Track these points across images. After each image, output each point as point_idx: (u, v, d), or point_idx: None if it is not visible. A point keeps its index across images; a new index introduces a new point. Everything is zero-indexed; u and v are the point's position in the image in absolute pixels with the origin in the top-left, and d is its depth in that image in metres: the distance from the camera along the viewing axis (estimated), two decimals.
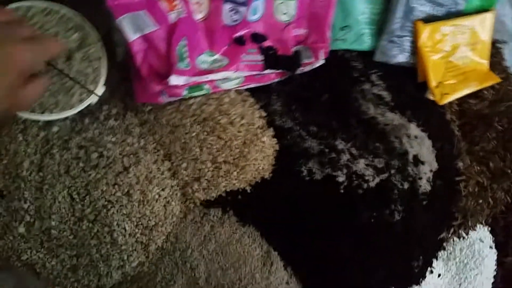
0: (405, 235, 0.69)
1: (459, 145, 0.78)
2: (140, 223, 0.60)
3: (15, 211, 0.58)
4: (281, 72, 0.68)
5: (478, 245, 0.79)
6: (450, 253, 0.77)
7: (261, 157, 0.65)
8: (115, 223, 0.58)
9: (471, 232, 0.79)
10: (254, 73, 0.65)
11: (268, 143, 0.65)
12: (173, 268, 0.63)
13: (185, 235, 0.65)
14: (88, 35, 0.55)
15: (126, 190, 0.59)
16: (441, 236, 0.76)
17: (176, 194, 0.64)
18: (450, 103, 0.79)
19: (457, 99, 0.79)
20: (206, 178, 0.64)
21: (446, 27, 0.74)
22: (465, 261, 0.78)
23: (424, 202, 0.70)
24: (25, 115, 0.53)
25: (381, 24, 0.73)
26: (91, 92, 0.55)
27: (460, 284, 0.78)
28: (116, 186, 0.58)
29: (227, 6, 0.61)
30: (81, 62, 0.55)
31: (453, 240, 0.77)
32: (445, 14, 0.75)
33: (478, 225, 0.79)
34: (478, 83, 0.78)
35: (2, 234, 0.58)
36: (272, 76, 0.68)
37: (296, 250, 0.67)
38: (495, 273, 0.80)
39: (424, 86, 0.75)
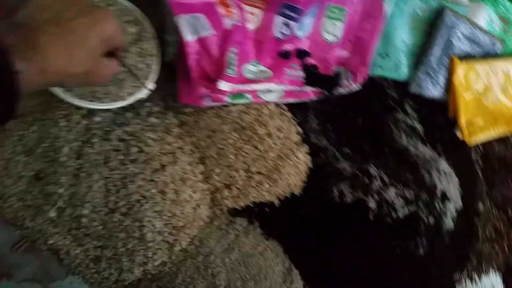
0: (425, 269, 0.69)
1: (481, 187, 0.79)
2: (169, 222, 0.60)
3: (49, 195, 0.58)
4: (319, 91, 0.69)
5: None
6: None
7: (294, 172, 0.65)
8: (146, 219, 0.58)
9: (483, 277, 0.79)
10: (294, 88, 0.66)
11: (302, 160, 0.66)
12: (194, 272, 0.63)
13: (210, 240, 0.64)
14: (145, 31, 0.57)
15: (161, 187, 0.59)
16: (455, 276, 0.76)
17: (206, 199, 0.64)
18: (476, 144, 0.79)
19: (483, 142, 0.80)
20: (237, 186, 0.64)
21: (481, 67, 0.76)
22: None
23: (447, 240, 0.71)
24: (76, 101, 0.53)
25: (419, 56, 0.75)
26: (145, 87, 0.56)
27: None
28: (152, 183, 0.59)
29: (279, 20, 0.62)
30: (136, 56, 0.55)
31: (465, 282, 0.77)
32: (481, 54, 0.77)
33: (491, 271, 0.79)
34: (506, 127, 0.79)
35: (33, 216, 0.58)
36: (310, 93, 0.69)
37: (318, 271, 0.67)
38: None
39: (454, 122, 0.76)
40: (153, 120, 0.61)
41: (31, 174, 0.58)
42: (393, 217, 0.66)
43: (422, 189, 0.69)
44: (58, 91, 0.53)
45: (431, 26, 0.73)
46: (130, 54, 0.55)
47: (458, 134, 0.76)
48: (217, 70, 0.59)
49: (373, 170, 0.68)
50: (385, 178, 0.68)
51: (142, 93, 0.57)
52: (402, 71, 0.75)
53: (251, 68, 0.63)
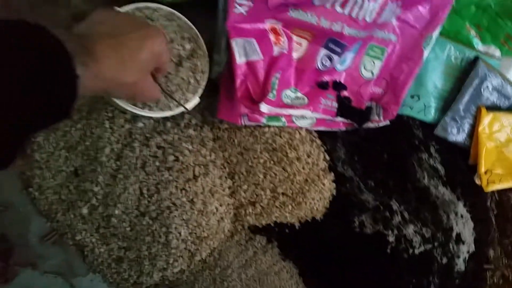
0: None
1: (494, 233, 0.80)
2: (194, 231, 0.62)
3: (85, 191, 0.60)
4: (350, 123, 0.71)
5: None
6: None
7: (318, 197, 0.67)
8: (173, 225, 0.60)
9: None
10: (327, 117, 0.69)
11: (327, 186, 0.68)
12: (210, 284, 0.65)
13: (229, 254, 0.66)
14: (199, 48, 0.59)
15: (191, 197, 0.61)
16: None
17: (230, 213, 0.66)
18: (492, 191, 0.81)
19: (499, 190, 0.82)
20: (261, 204, 0.66)
21: (506, 119, 0.78)
22: None
23: (457, 281, 0.72)
24: (128, 107, 0.54)
25: (448, 101, 0.77)
26: (181, 105, 0.58)
27: None
28: (183, 191, 0.61)
29: (323, 52, 0.65)
30: (188, 71, 0.58)
31: None
32: (507, 107, 0.79)
33: None
34: None
35: (65, 211, 0.60)
36: (340, 124, 0.71)
37: None
38: None
39: (474, 168, 0.78)
40: (190, 131, 0.64)
41: (70, 170, 0.60)
42: (409, 253, 0.67)
43: (439, 230, 0.71)
44: None
45: (463, 74, 0.76)
46: (182, 69, 0.57)
47: (477, 180, 0.78)
48: (261, 93, 0.61)
49: (395, 205, 0.70)
50: (406, 215, 0.70)
51: (188, 106, 0.59)
52: (430, 114, 0.77)
53: (289, 94, 0.66)
